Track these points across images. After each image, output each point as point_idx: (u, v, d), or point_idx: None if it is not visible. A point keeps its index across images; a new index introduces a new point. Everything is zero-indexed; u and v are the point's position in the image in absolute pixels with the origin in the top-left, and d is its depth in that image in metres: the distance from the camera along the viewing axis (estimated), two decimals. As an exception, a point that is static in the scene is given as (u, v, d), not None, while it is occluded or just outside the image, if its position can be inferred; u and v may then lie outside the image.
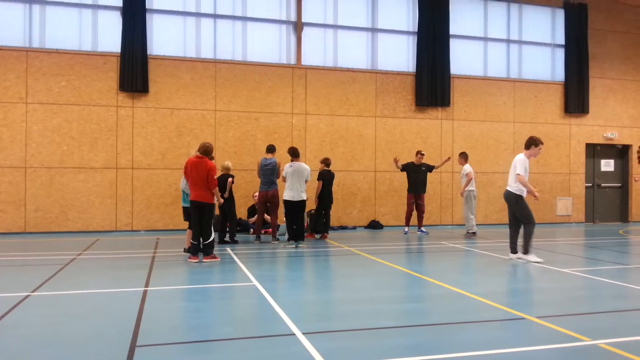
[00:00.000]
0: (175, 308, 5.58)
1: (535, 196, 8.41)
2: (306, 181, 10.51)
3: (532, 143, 8.49)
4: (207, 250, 8.41)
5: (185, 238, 9.01)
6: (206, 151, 8.48)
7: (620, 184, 17.13)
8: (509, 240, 8.77)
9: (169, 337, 4.46)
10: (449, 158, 13.37)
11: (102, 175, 12.82)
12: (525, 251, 8.48)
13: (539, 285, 7.04)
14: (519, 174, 8.32)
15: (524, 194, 8.46)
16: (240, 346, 4.19)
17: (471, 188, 12.13)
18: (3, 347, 4.09)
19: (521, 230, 8.55)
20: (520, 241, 8.59)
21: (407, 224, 13.00)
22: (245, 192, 13.41)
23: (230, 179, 10.52)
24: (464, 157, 12.51)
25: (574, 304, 5.85)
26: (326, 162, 11.96)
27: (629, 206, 16.97)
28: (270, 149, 11.11)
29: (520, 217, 8.50)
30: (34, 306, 5.45)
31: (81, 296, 6.02)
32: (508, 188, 8.56)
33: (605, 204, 16.99)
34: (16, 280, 6.92)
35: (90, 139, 12.77)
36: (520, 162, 8.40)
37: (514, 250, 8.69)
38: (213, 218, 8.68)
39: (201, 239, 8.39)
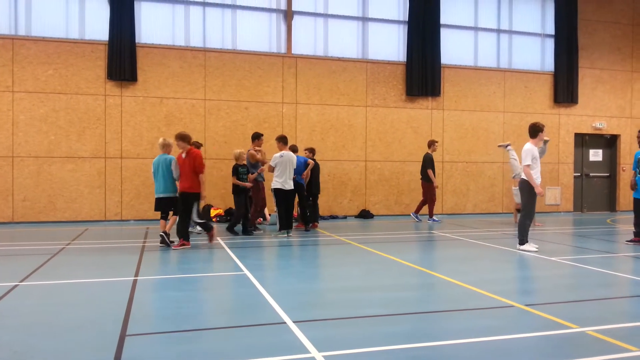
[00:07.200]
0: (165, 297, 5.56)
1: (537, 192, 8.12)
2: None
3: (539, 130, 8.30)
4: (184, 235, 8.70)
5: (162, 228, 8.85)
6: (183, 138, 8.59)
7: (608, 174, 17.28)
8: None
9: (159, 326, 4.45)
10: None
11: (90, 164, 12.71)
12: (521, 242, 8.40)
13: (528, 274, 7.10)
14: (526, 165, 8.11)
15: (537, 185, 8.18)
16: (231, 335, 4.18)
17: None
18: (-9, 337, 4.06)
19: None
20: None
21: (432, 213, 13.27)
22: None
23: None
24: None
25: (562, 292, 5.90)
26: (312, 151, 11.96)
27: (616, 196, 17.13)
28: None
29: (523, 205, 8.40)
30: (23, 296, 5.40)
31: (70, 285, 5.98)
32: (522, 176, 8.33)
33: (594, 194, 17.14)
34: (4, 269, 6.86)
35: (78, 128, 12.64)
36: (525, 151, 8.15)
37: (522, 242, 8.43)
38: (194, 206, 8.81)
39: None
